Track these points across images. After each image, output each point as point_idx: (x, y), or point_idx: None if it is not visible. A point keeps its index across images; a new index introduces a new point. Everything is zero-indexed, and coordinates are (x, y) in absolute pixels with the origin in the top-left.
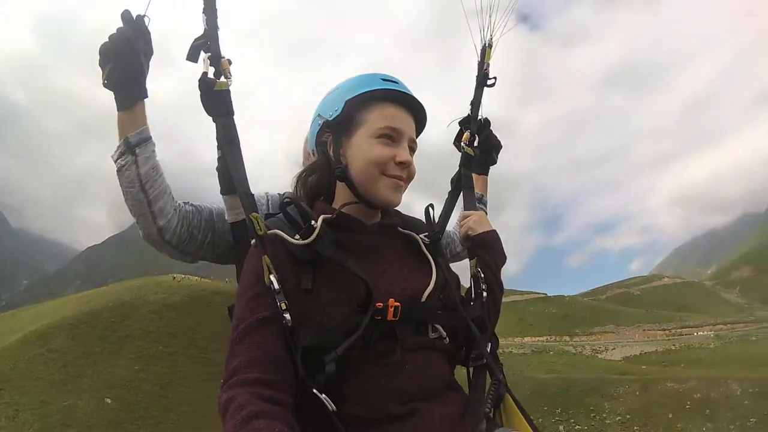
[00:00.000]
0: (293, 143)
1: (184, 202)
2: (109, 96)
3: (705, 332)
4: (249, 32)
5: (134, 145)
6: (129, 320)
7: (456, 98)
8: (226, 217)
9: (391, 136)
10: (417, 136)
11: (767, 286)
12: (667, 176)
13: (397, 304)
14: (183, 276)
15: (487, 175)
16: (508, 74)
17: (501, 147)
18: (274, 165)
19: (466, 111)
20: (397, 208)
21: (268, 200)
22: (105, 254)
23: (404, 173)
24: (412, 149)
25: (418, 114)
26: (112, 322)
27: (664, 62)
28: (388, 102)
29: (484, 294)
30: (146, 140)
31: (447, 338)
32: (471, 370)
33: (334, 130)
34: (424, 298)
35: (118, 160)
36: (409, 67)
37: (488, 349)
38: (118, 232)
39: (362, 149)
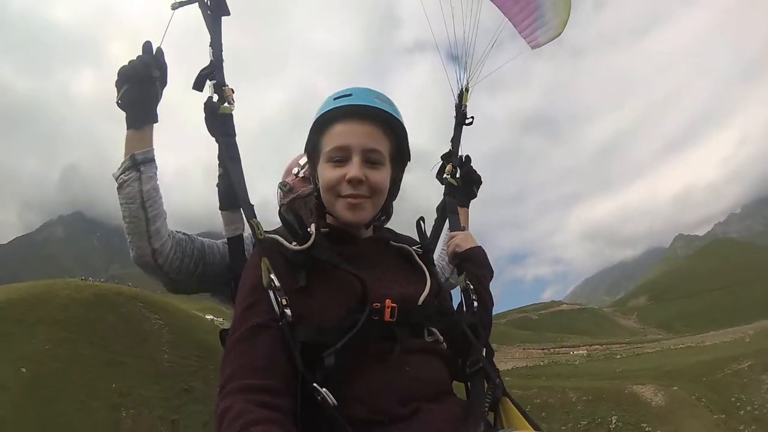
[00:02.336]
0: (213, 158)
1: (177, 231)
2: (24, 86)
3: (580, 351)
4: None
5: (140, 163)
6: (41, 309)
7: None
8: (223, 233)
9: (340, 155)
10: (398, 141)
11: (660, 313)
12: (577, 213)
13: (394, 305)
14: (91, 279)
15: (468, 208)
16: (434, 112)
17: (481, 182)
18: (192, 176)
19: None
20: (388, 226)
21: (252, 242)
22: (9, 255)
23: (359, 190)
24: (375, 161)
25: (382, 119)
26: (26, 309)
27: (577, 112)
28: (339, 120)
29: (475, 304)
30: (151, 161)
31: (444, 344)
32: (468, 380)
33: (310, 161)
34: (420, 302)
35: (122, 176)
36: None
37: (484, 355)
38: (25, 233)
39: (321, 176)
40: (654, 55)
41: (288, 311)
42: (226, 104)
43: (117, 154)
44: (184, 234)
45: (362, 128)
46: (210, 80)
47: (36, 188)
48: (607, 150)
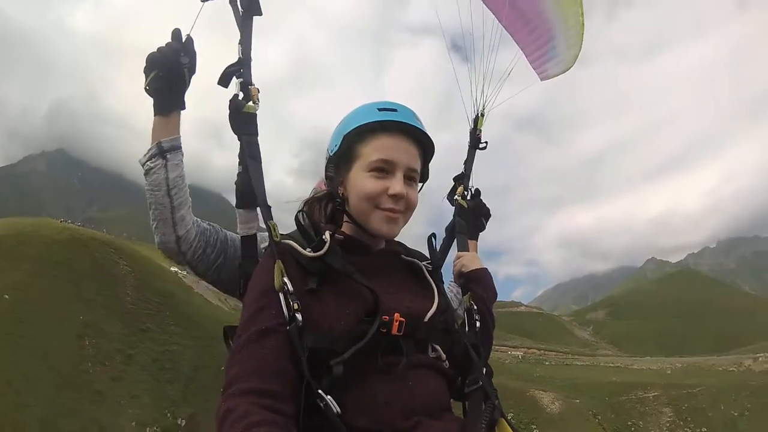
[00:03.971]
0: (201, 112)
1: (202, 220)
2: (17, 13)
3: (517, 352)
4: None
5: (166, 150)
6: (26, 246)
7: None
8: (237, 231)
9: (384, 168)
10: (427, 162)
11: (614, 329)
12: (556, 219)
13: (402, 319)
14: (69, 222)
15: (477, 240)
16: (427, 98)
17: (490, 215)
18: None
19: None
20: (399, 240)
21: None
22: None
23: (399, 205)
24: (412, 178)
25: (422, 140)
26: (13, 245)
27: (572, 118)
28: (384, 133)
29: (477, 324)
30: (177, 148)
31: (446, 361)
32: (467, 400)
33: (335, 164)
34: (426, 318)
35: (148, 162)
36: (338, 63)
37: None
38: (6, 164)
39: (356, 184)
40: (657, 75)
41: (299, 315)
42: (251, 103)
43: (108, 95)
44: (209, 224)
45: (409, 147)
46: (237, 78)
47: (22, 119)
48: (596, 161)
